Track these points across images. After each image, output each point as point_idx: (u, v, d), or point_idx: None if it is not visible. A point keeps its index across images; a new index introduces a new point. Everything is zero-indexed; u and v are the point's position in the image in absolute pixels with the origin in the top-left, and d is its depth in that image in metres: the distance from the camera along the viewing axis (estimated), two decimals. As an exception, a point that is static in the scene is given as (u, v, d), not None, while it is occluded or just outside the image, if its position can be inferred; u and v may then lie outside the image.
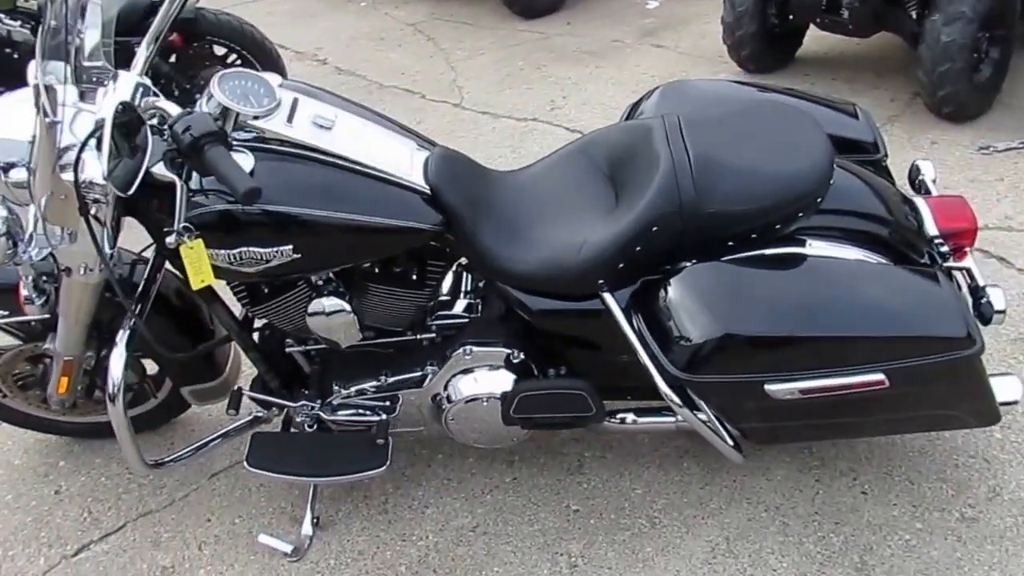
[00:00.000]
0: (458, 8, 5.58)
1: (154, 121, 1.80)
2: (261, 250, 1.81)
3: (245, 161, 1.78)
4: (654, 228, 1.85)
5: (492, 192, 2.03)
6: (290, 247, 1.81)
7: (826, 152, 1.90)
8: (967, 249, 2.07)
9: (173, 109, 1.79)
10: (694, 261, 1.89)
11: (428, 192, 1.92)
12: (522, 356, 2.07)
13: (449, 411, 2.11)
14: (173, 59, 3.80)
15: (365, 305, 2.07)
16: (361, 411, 2.19)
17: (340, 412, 2.19)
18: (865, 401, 1.87)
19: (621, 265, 1.89)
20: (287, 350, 2.18)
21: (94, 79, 1.93)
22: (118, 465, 2.49)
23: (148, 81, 1.95)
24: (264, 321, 2.14)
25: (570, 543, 2.17)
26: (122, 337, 1.93)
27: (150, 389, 2.45)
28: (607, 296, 1.92)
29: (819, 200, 1.89)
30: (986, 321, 1.96)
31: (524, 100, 4.35)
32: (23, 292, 1.95)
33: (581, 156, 2.11)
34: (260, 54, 3.86)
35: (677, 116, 2.02)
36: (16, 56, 3.61)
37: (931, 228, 2.03)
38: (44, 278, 1.97)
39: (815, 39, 4.40)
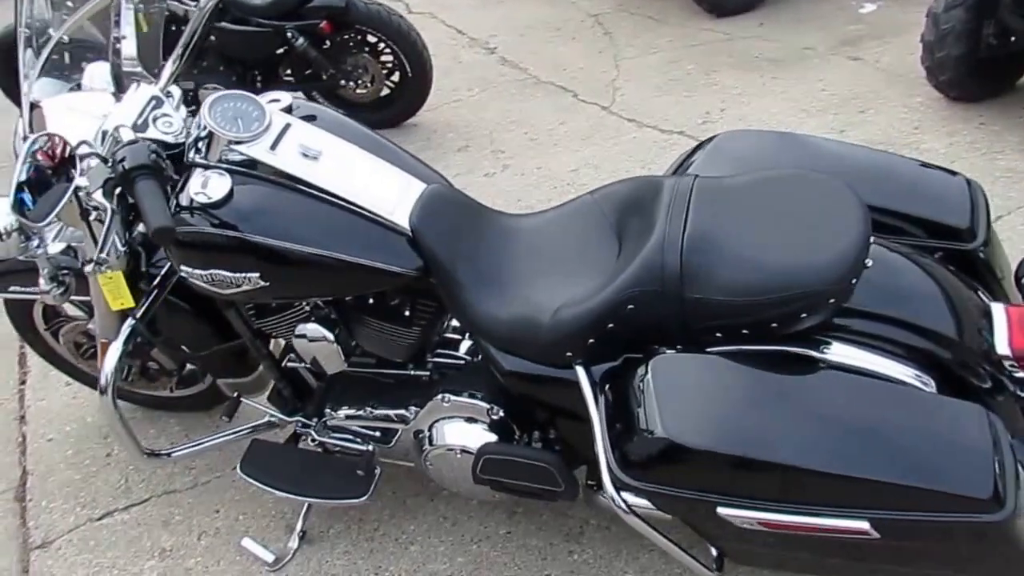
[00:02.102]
0: (649, 2, 5.33)
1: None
2: (230, 274, 1.81)
3: (221, 183, 1.77)
4: (630, 307, 1.65)
5: (484, 238, 1.90)
6: (257, 275, 1.80)
7: (851, 247, 1.58)
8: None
9: (172, 125, 1.83)
10: (678, 348, 1.68)
11: (409, 234, 1.83)
12: (501, 414, 1.95)
13: (428, 454, 2.03)
14: (326, 45, 3.90)
15: (358, 334, 2.03)
16: (353, 437, 2.16)
17: (333, 434, 2.17)
18: (857, 548, 1.57)
19: (591, 341, 1.71)
20: (284, 364, 2.18)
21: (136, 83, 2.01)
22: (166, 439, 2.63)
23: (175, 91, 2.00)
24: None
25: (535, 615, 2.04)
26: (122, 333, 2.01)
27: (200, 373, 2.56)
28: (579, 370, 1.74)
29: (831, 301, 1.59)
30: None
31: (678, 110, 4.09)
32: (40, 282, 2.07)
33: (595, 208, 1.92)
34: (404, 44, 3.88)
35: (694, 178, 1.79)
36: (183, 32, 3.85)
37: (1001, 345, 1.66)
38: (64, 271, 2.07)
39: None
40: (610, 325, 1.68)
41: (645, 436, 1.58)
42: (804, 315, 1.60)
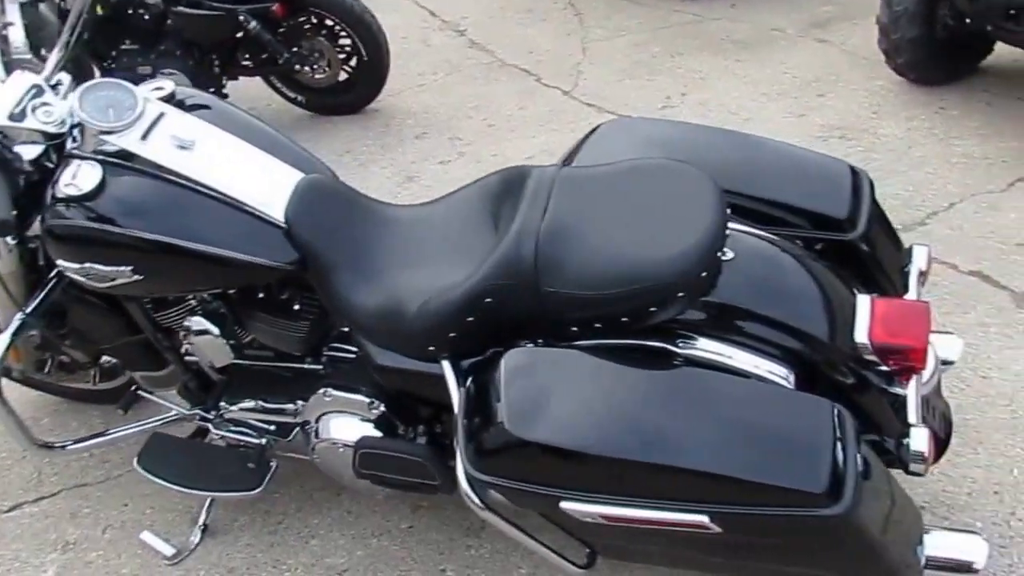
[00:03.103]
0: (625, -18, 5.23)
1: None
2: (103, 268, 1.79)
3: (92, 175, 1.75)
4: (488, 300, 1.61)
5: (361, 229, 1.86)
6: (130, 268, 1.78)
7: (702, 240, 1.55)
8: (916, 374, 1.64)
9: (52, 114, 1.80)
10: (539, 341, 1.64)
11: (284, 226, 1.80)
12: (382, 408, 1.91)
13: (315, 447, 2.00)
14: (281, 29, 3.85)
15: (251, 328, 2.01)
16: (250, 431, 2.13)
17: (232, 428, 2.14)
18: (707, 542, 1.53)
19: (453, 334, 1.67)
20: (183, 353, 2.15)
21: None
22: (87, 431, 2.61)
23: (64, 79, 1.97)
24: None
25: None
26: (11, 326, 1.99)
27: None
28: (445, 363, 1.71)
29: (680, 295, 1.55)
30: (904, 469, 1.56)
31: (639, 94, 4.02)
32: None
33: (474, 199, 1.87)
34: (360, 28, 3.83)
35: (558, 168, 1.75)
36: (147, 17, 3.82)
37: (860, 334, 1.62)
38: None
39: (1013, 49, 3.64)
40: (470, 319, 1.65)
41: (493, 430, 1.55)
42: (653, 309, 1.57)
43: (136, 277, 1.78)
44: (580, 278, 1.55)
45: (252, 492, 2.08)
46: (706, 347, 1.60)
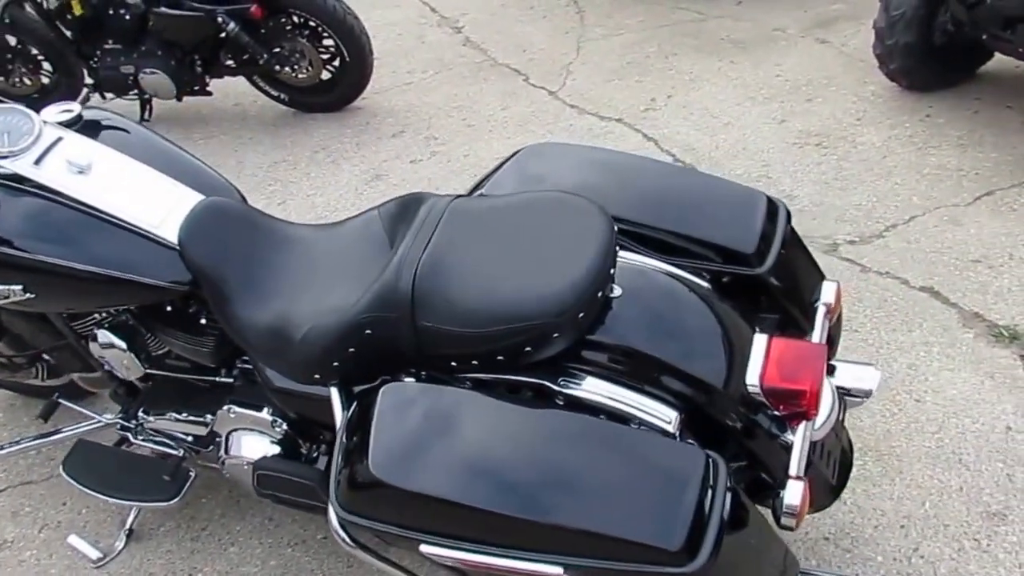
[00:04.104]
0: (630, -22, 5.16)
1: None
2: None
3: None
4: (367, 331, 1.61)
5: (257, 251, 1.87)
6: (20, 287, 1.81)
7: (580, 280, 1.51)
8: (807, 420, 1.57)
9: None
10: (424, 374, 1.63)
11: (177, 248, 1.82)
12: (284, 427, 1.93)
13: (223, 462, 2.03)
14: (262, 31, 3.88)
15: (163, 340, 2.03)
16: (168, 441, 2.17)
17: (150, 437, 2.18)
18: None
19: (336, 363, 1.67)
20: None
21: None
22: (37, 428, 2.68)
23: None
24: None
25: (322, 628, 2.04)
26: None
27: None
28: (332, 390, 1.71)
29: (555, 336, 1.52)
30: (776, 520, 1.52)
31: (624, 95, 3.97)
32: None
33: (375, 223, 1.86)
34: (340, 29, 3.84)
35: (451, 199, 1.73)
36: (128, 17, 3.88)
37: (751, 376, 1.54)
38: None
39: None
40: (351, 349, 1.64)
41: (359, 467, 1.53)
42: (528, 349, 1.54)
43: (29, 295, 1.82)
44: (454, 314, 1.53)
45: (169, 503, 2.12)
46: (589, 386, 1.56)
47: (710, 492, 1.39)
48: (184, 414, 2.09)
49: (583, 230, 1.60)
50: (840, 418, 1.83)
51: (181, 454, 2.14)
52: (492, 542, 1.44)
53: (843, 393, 1.91)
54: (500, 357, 1.56)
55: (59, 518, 2.40)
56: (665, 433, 1.55)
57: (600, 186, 1.85)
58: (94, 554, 2.23)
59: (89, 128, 1.93)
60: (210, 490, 2.34)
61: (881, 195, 3.08)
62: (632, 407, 1.55)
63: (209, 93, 4.17)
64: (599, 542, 1.36)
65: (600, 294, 1.55)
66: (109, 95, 4.18)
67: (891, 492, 2.13)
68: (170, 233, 1.82)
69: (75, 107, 1.94)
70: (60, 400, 2.32)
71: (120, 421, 2.20)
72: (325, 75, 4.07)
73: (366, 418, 1.58)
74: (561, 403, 1.58)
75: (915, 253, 2.79)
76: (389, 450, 1.50)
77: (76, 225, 1.80)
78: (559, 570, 1.40)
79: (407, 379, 1.63)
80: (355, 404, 1.67)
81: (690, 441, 1.60)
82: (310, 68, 4.00)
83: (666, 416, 1.55)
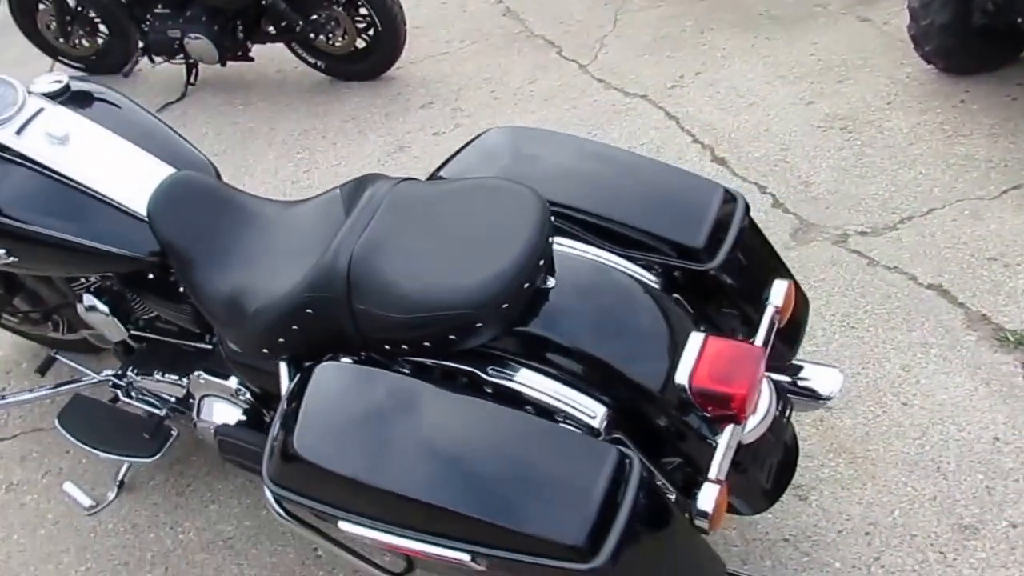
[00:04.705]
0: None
1: None
2: None
3: None
4: (308, 311, 1.65)
5: (225, 224, 1.91)
6: (3, 251, 1.91)
7: (506, 271, 1.51)
8: (738, 424, 1.54)
9: None
10: (363, 354, 1.67)
11: (146, 219, 1.88)
12: (248, 397, 2.00)
13: (195, 424, 2.11)
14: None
15: (149, 304, 2.12)
16: (152, 400, 2.26)
17: (137, 395, 2.28)
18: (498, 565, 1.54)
19: (281, 340, 1.72)
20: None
21: None
22: (54, 378, 2.81)
23: None
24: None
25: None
26: None
27: None
28: (281, 364, 1.76)
29: (478, 325, 1.54)
30: (690, 521, 1.50)
31: (654, 71, 3.91)
32: None
33: (336, 202, 1.89)
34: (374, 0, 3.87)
35: (396, 181, 1.75)
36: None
37: (680, 375, 1.51)
38: None
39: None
40: (294, 327, 1.68)
41: (287, 442, 1.57)
42: (453, 337, 1.56)
43: (12, 259, 1.91)
44: (384, 298, 1.55)
45: (148, 460, 2.22)
46: (519, 377, 1.58)
47: (620, 490, 1.39)
48: (167, 376, 2.18)
49: (517, 220, 1.60)
50: (785, 420, 1.81)
51: (164, 414, 2.24)
52: (404, 525, 1.47)
53: (807, 395, 1.89)
54: (427, 344, 1.59)
55: (61, 465, 2.54)
56: (591, 429, 1.55)
57: (556, 174, 1.85)
58: (87, 502, 2.34)
59: (75, 100, 2.00)
60: (199, 449, 2.44)
61: (901, 185, 2.98)
62: (559, 401, 1.56)
63: (251, 59, 4.25)
64: (503, 533, 1.38)
65: (527, 285, 1.55)
66: (158, 59, 4.31)
67: (860, 497, 2.09)
68: (141, 205, 1.89)
69: (63, 78, 2.02)
70: (57, 356, 2.43)
71: (112, 379, 2.31)
72: (360, 44, 4.11)
73: (300, 394, 1.62)
74: (490, 392, 1.60)
75: (928, 248, 2.70)
76: (313, 428, 1.54)
77: (52, 195, 1.88)
78: (466, 557, 1.43)
79: (345, 359, 1.66)
80: (296, 379, 1.71)
81: (618, 437, 1.61)
82: (345, 37, 4.05)
83: (592, 411, 1.56)
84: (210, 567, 2.20)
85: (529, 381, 1.58)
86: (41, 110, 1.92)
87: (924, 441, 2.18)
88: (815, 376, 1.88)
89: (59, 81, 2.01)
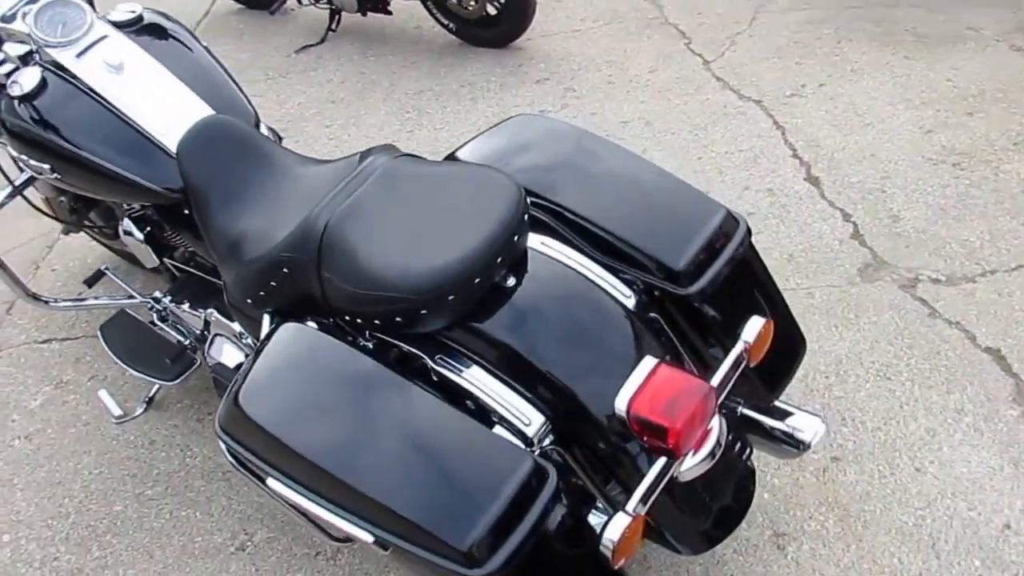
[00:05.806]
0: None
1: None
2: (32, 162, 2.08)
3: (31, 79, 2.00)
4: (284, 270, 1.71)
5: (247, 172, 1.95)
6: (48, 167, 2.06)
7: (453, 266, 1.51)
8: (675, 460, 1.49)
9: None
10: (331, 320, 1.71)
11: (175, 156, 1.98)
12: (250, 342, 2.09)
13: (207, 360, 2.22)
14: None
15: (184, 238, 2.24)
16: (180, 327, 2.40)
17: (172, 322, 2.43)
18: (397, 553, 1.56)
19: (262, 293, 1.79)
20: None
21: None
22: (105, 289, 2.91)
23: None
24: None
25: (255, 530, 2.23)
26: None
27: None
28: (264, 316, 1.83)
29: (423, 312, 1.55)
30: (594, 548, 1.46)
31: (776, 76, 3.73)
32: None
33: (350, 164, 1.93)
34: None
35: (392, 156, 1.77)
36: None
37: (620, 400, 1.44)
38: None
39: None
40: (272, 283, 1.74)
41: (235, 392, 1.64)
42: (399, 320, 1.58)
43: (56, 175, 2.06)
44: (346, 271, 1.58)
45: (169, 383, 2.37)
46: (466, 372, 1.58)
47: (527, 502, 1.38)
48: (194, 308, 2.31)
49: (488, 213, 1.59)
50: (743, 462, 1.73)
51: (188, 343, 2.37)
52: (320, 494, 1.51)
53: (783, 440, 1.79)
54: (376, 321, 1.61)
55: (106, 371, 2.73)
56: (523, 437, 1.55)
57: (561, 172, 1.82)
58: (116, 411, 2.50)
59: (142, 31, 2.11)
60: (225, 380, 2.57)
61: (997, 234, 2.73)
62: (498, 403, 1.56)
63: (389, 12, 4.35)
64: (403, 523, 1.40)
65: (478, 280, 1.54)
66: (305, 1, 4.50)
67: (840, 558, 1.97)
68: (171, 141, 1.98)
69: (137, 8, 2.13)
70: (105, 271, 2.60)
71: (151, 301, 2.46)
72: (491, 10, 4.13)
73: (263, 348, 1.69)
74: (436, 381, 1.61)
75: (1000, 308, 2.47)
76: (258, 383, 1.60)
77: (95, 120, 1.99)
78: (370, 538, 1.45)
79: (311, 323, 1.71)
80: (268, 333, 1.78)
81: (554, 449, 1.59)
82: (476, 1, 4.08)
83: (527, 419, 1.55)
84: (204, 494, 2.33)
85: (474, 378, 1.58)
86: (104, 37, 2.03)
87: (927, 513, 2.02)
88: (795, 423, 1.77)
89: (133, 11, 2.12)
